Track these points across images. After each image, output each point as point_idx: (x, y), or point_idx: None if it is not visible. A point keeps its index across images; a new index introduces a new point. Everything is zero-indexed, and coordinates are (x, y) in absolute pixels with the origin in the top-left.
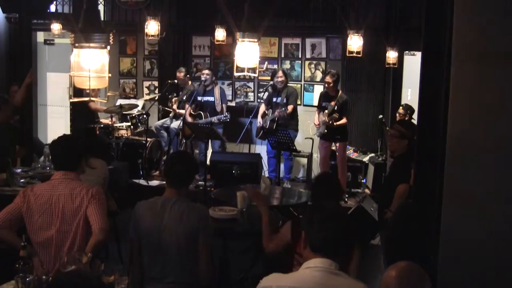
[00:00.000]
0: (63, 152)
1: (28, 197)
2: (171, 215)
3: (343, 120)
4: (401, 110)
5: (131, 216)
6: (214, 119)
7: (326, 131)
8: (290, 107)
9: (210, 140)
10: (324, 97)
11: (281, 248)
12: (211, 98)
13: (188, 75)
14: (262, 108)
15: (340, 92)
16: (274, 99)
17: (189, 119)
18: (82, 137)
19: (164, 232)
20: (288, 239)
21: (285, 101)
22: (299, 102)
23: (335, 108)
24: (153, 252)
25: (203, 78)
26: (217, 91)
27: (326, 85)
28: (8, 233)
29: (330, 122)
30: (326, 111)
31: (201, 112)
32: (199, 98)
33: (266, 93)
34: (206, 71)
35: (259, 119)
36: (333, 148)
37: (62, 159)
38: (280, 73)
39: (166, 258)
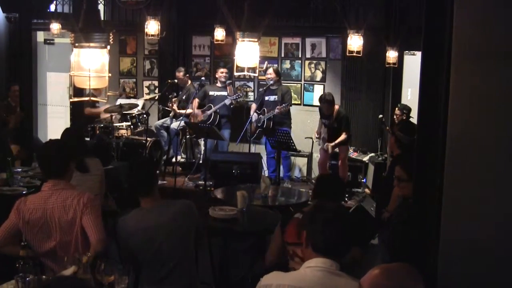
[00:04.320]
0: (49, 160)
1: (22, 212)
2: (161, 222)
3: (342, 137)
4: (397, 111)
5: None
6: (227, 101)
7: (329, 147)
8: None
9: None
10: (322, 113)
11: (276, 252)
12: (223, 92)
13: (187, 75)
14: (253, 107)
15: (337, 108)
16: (267, 98)
17: (197, 111)
18: (75, 138)
19: (159, 240)
20: (279, 241)
21: (281, 99)
22: (299, 102)
23: (335, 125)
24: (151, 261)
25: (223, 79)
26: (230, 88)
27: (323, 106)
28: (13, 248)
29: (331, 151)
30: (324, 126)
31: (211, 105)
32: (211, 93)
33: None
34: (225, 70)
35: (253, 118)
36: (336, 150)
37: (49, 167)
38: (269, 70)
39: (164, 263)
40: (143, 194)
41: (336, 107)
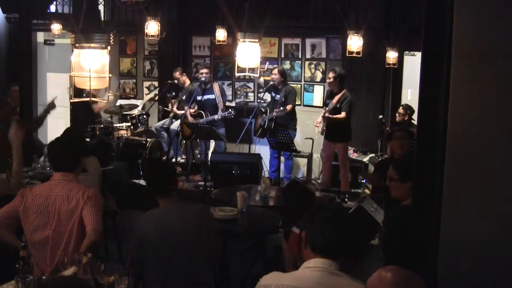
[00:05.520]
0: (60, 153)
1: (26, 197)
2: (174, 225)
3: (341, 115)
4: (401, 110)
5: (131, 218)
6: (217, 116)
7: (325, 128)
8: (289, 107)
9: (214, 141)
10: (329, 94)
11: (292, 263)
12: (211, 96)
13: (184, 73)
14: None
15: (344, 90)
16: (273, 94)
17: (191, 119)
18: (81, 137)
19: (168, 241)
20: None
21: (283, 99)
22: (298, 102)
23: (337, 105)
24: (157, 262)
25: (203, 79)
26: (216, 87)
27: (328, 80)
28: (7, 233)
29: (328, 114)
30: (327, 108)
31: (202, 112)
32: (199, 98)
33: (267, 93)
34: (205, 70)
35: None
36: (335, 150)
37: (60, 160)
38: (274, 71)
39: (169, 265)
40: (161, 194)
41: (343, 90)
